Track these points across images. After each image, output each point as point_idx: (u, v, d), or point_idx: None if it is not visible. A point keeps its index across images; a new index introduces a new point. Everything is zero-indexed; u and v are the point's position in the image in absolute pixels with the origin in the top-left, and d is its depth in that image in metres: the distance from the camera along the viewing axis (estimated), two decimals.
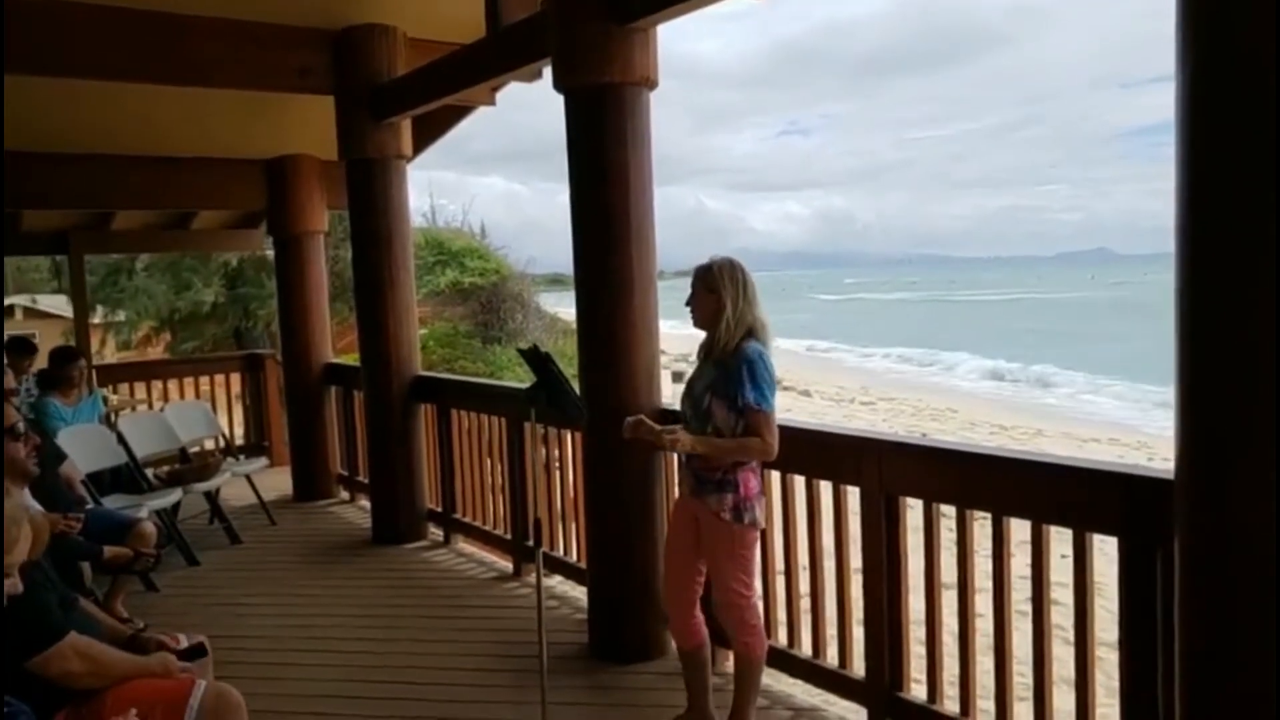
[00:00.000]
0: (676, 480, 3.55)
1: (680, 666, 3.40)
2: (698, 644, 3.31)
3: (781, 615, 3.71)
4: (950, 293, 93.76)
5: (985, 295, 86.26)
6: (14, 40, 4.42)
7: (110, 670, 2.42)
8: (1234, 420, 2.00)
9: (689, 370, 3.32)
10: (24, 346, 6.81)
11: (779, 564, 3.74)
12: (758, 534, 3.20)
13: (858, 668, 3.39)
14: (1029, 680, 2.86)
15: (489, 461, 5.58)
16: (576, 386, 3.39)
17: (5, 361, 6.54)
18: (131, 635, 2.65)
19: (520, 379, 8.70)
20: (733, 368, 3.03)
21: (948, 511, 3.06)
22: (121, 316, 18.13)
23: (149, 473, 5.94)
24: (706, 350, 3.17)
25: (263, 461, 7.10)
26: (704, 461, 3.11)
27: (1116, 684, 2.60)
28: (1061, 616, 2.86)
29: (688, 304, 3.17)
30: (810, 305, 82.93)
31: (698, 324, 3.15)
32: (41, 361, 6.79)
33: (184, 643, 2.72)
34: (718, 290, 3.07)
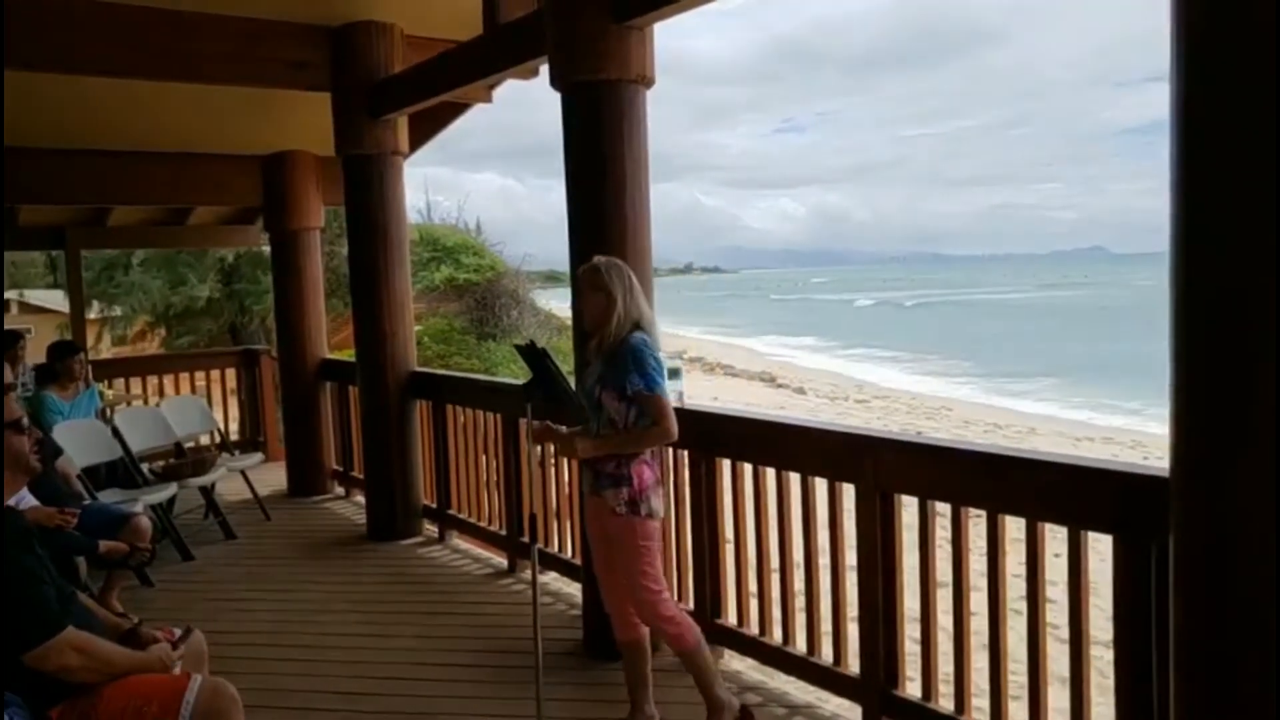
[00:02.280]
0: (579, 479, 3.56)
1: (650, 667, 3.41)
2: (636, 637, 3.33)
3: (776, 613, 3.72)
4: (902, 294, 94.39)
5: (930, 296, 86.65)
6: (10, 35, 4.41)
7: (107, 665, 2.42)
8: (1230, 417, 2.00)
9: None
10: (9, 336, 6.71)
11: (774, 561, 3.76)
12: (658, 525, 3.23)
13: (852, 665, 3.40)
14: (1023, 678, 2.87)
15: (484, 458, 5.58)
16: (572, 383, 3.39)
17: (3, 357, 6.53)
18: (129, 629, 2.65)
19: (515, 375, 8.71)
20: (619, 358, 3.12)
21: (943, 509, 3.07)
22: (117, 312, 18.11)
23: (144, 468, 5.94)
24: (597, 347, 3.23)
25: (258, 457, 7.09)
26: (601, 456, 3.16)
27: (1111, 682, 2.61)
28: (1056, 614, 2.87)
29: (573, 306, 3.22)
30: (753, 306, 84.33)
31: (588, 325, 3.23)
32: (38, 355, 6.77)
33: (177, 637, 2.72)
34: (608, 288, 3.16)
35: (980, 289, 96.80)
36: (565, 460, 4.76)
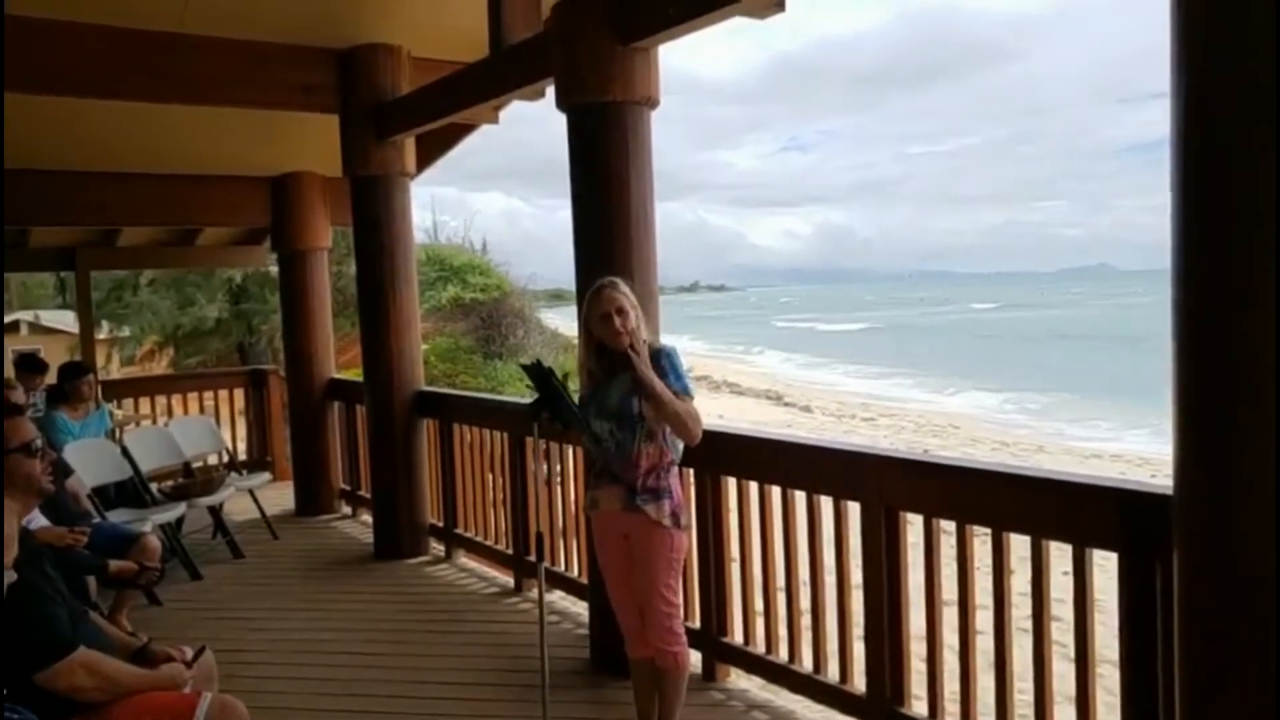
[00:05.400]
0: (585, 501, 3.50)
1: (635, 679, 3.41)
2: (649, 655, 3.32)
3: (782, 631, 3.72)
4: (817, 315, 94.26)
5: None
6: (20, 59, 4.46)
7: (118, 685, 2.43)
8: (1232, 434, 2.01)
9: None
10: (35, 365, 6.90)
11: (779, 580, 3.75)
12: (687, 540, 3.31)
13: (858, 683, 3.40)
14: (1030, 697, 2.87)
15: (490, 476, 5.60)
16: (577, 401, 3.41)
17: (13, 377, 6.62)
18: (139, 648, 2.67)
19: (521, 394, 8.74)
20: (655, 366, 3.13)
21: (948, 527, 3.08)
22: (126, 332, 18.22)
23: (153, 487, 5.97)
24: (622, 362, 3.14)
25: (265, 476, 7.12)
26: (636, 469, 3.15)
27: (1118, 700, 2.61)
28: (1062, 633, 2.87)
29: (614, 326, 3.13)
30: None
31: (623, 341, 3.13)
32: (48, 376, 6.85)
33: (189, 656, 2.74)
34: (636, 305, 3.22)
35: (960, 307, 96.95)
36: (571, 479, 4.78)
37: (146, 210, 7.65)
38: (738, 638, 3.90)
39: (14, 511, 2.54)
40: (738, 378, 35.86)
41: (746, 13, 3.49)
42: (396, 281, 5.88)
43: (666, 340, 3.43)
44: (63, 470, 4.89)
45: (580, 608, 4.71)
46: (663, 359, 3.16)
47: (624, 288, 3.22)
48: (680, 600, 3.28)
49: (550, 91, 4.21)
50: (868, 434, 21.92)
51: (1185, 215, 2.06)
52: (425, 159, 6.56)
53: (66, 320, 21.98)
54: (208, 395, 9.16)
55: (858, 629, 3.41)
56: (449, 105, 5.20)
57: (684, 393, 3.15)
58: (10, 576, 2.31)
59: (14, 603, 2.32)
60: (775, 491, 3.69)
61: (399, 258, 5.87)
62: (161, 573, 4.22)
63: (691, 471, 3.94)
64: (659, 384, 3.07)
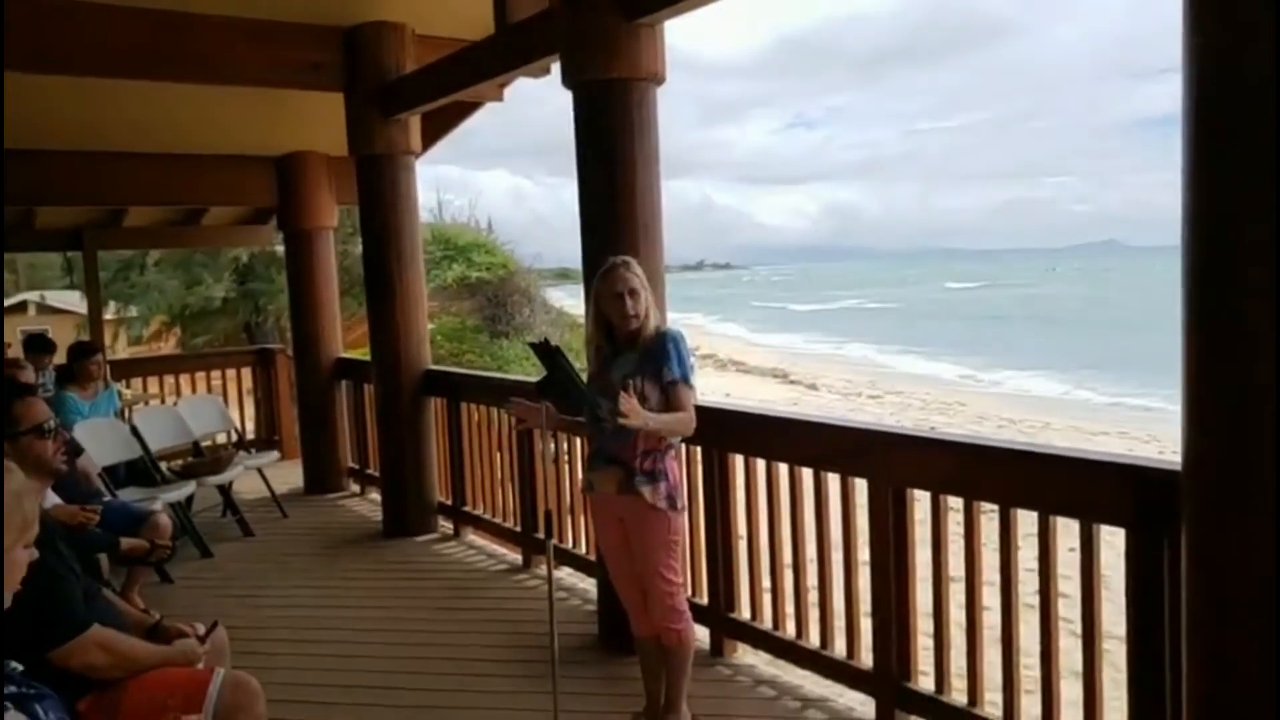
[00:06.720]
0: (582, 483, 3.53)
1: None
2: (654, 632, 3.34)
3: (790, 608, 3.74)
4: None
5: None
6: (24, 38, 4.45)
7: (132, 662, 2.45)
8: (1241, 411, 2.01)
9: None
10: (43, 345, 6.94)
11: (787, 556, 3.77)
12: (685, 520, 3.31)
13: (865, 659, 3.42)
14: (1036, 672, 2.88)
15: (499, 455, 5.62)
16: (585, 379, 3.42)
17: (23, 357, 6.65)
18: (154, 624, 2.69)
19: (527, 373, 8.74)
20: (658, 349, 3.13)
21: (955, 504, 3.08)
22: (133, 312, 18.28)
23: (163, 466, 6.00)
24: (627, 342, 3.17)
25: (274, 455, 7.16)
26: (633, 451, 3.13)
27: (1124, 675, 2.62)
28: (1069, 609, 2.88)
29: (624, 307, 3.13)
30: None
31: (628, 322, 3.13)
32: (58, 356, 6.89)
33: (202, 632, 2.76)
34: (646, 284, 3.20)
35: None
36: (578, 456, 4.79)
37: (153, 190, 7.65)
38: (745, 614, 3.93)
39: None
40: (744, 355, 36.02)
41: None
42: (402, 260, 5.88)
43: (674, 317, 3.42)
44: (74, 450, 4.91)
45: (588, 584, 4.73)
46: (667, 343, 3.14)
47: (636, 268, 3.20)
48: (681, 579, 3.29)
49: (555, 68, 4.19)
50: (874, 412, 21.93)
51: (1195, 190, 2.05)
52: (430, 137, 6.53)
53: (73, 300, 22.07)
54: (215, 375, 9.18)
55: (864, 605, 3.42)
56: (454, 83, 5.18)
57: (682, 379, 3.12)
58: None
59: (28, 581, 2.34)
60: (783, 469, 3.70)
61: (405, 237, 5.87)
62: (173, 550, 4.26)
63: (699, 449, 3.95)
64: (647, 419, 2.99)
